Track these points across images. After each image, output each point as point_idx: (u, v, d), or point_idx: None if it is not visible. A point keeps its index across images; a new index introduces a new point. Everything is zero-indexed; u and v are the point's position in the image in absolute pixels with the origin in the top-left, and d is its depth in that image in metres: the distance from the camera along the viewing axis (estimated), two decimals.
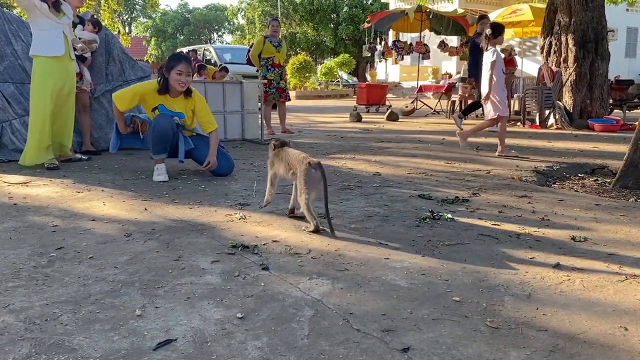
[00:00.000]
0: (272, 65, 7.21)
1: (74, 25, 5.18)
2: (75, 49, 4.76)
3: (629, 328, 1.64)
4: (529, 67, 16.26)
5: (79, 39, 5.09)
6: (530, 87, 8.90)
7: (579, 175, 4.47)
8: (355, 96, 14.41)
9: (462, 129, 6.27)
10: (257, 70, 7.45)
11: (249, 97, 6.43)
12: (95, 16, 5.70)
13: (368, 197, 3.41)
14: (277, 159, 2.86)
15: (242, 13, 35.52)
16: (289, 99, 7.75)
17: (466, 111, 8.15)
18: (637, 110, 10.11)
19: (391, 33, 17.87)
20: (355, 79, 25.89)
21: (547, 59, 8.59)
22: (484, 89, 5.33)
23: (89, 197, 3.39)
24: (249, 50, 7.56)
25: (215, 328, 1.62)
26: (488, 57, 5.25)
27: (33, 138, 4.37)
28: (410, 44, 12.89)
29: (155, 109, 3.98)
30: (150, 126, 3.97)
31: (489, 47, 5.25)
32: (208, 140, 4.12)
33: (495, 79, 5.20)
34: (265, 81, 7.08)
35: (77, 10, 5.20)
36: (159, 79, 3.97)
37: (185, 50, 15.39)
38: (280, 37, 7.41)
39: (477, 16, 13.71)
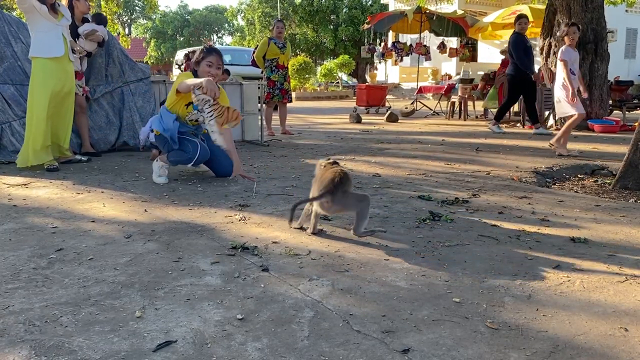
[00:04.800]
0: (277, 66, 7.24)
1: (83, 21, 5.20)
2: (73, 51, 4.76)
3: (629, 329, 1.64)
4: None
5: (82, 37, 5.08)
6: None
7: (579, 176, 4.47)
8: (355, 97, 14.41)
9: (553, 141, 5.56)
10: (262, 72, 7.47)
11: (249, 98, 6.43)
12: (98, 13, 5.68)
13: None
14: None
15: (242, 14, 35.51)
16: (292, 101, 7.77)
17: (499, 116, 7.90)
18: (637, 111, 10.10)
19: (391, 34, 17.88)
20: (355, 80, 25.89)
21: (546, 60, 8.59)
22: (556, 90, 5.36)
23: (88, 198, 3.39)
24: (253, 52, 7.58)
25: (215, 329, 1.62)
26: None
27: (31, 139, 4.37)
28: (410, 45, 12.89)
29: (190, 104, 3.82)
30: (194, 151, 3.84)
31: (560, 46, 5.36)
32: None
33: (563, 77, 5.24)
34: (267, 81, 7.09)
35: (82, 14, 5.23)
36: (191, 73, 3.91)
37: (185, 51, 15.40)
38: (285, 38, 7.43)
39: (476, 17, 13.76)
